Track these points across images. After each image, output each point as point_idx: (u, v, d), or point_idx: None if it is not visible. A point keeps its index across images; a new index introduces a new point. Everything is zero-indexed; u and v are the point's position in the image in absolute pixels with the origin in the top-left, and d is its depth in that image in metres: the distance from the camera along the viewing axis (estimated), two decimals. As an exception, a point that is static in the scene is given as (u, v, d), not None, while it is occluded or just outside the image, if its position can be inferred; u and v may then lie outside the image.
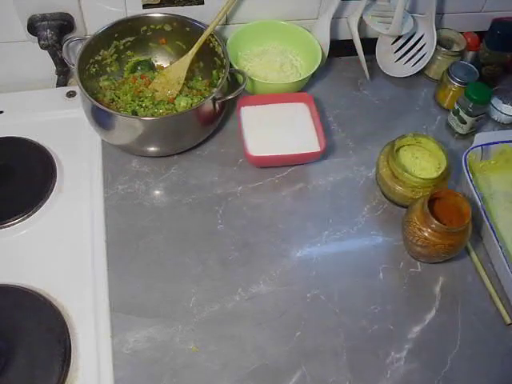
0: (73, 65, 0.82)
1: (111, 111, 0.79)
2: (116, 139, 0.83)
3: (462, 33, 1.01)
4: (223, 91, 0.84)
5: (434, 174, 0.79)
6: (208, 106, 0.81)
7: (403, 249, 0.78)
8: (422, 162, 0.83)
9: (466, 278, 0.77)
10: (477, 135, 0.88)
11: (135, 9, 0.90)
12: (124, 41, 0.91)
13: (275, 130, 0.86)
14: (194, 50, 0.87)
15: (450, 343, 0.71)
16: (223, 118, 0.89)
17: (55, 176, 0.81)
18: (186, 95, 0.88)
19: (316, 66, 0.92)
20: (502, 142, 0.86)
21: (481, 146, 0.86)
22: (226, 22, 0.98)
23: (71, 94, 0.92)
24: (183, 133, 0.82)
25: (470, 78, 0.92)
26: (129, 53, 0.93)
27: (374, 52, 1.01)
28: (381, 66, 1.01)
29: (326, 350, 0.69)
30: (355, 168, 0.88)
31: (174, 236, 0.78)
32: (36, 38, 0.87)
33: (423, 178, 0.78)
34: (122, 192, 0.81)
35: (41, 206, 0.78)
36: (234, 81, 0.91)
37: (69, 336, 0.66)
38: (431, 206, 0.73)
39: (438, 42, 0.98)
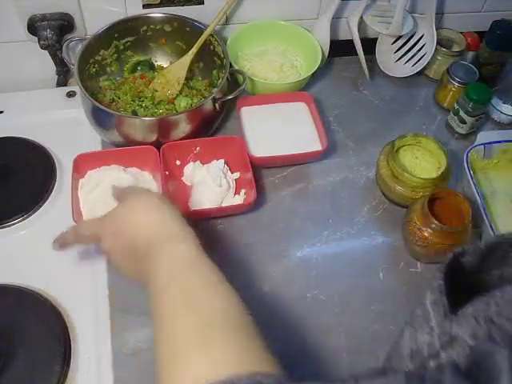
0: (73, 65, 0.82)
1: (111, 111, 0.79)
2: (116, 139, 0.83)
3: (462, 33, 1.01)
4: (223, 91, 0.84)
5: (434, 174, 0.79)
6: (208, 106, 0.81)
7: (403, 249, 0.78)
8: (422, 162, 0.83)
9: (466, 278, 0.77)
10: (480, 134, 0.87)
11: (135, 9, 0.90)
12: (124, 41, 0.91)
13: (275, 129, 0.86)
14: (194, 50, 0.87)
15: (450, 343, 0.71)
16: (223, 117, 0.89)
17: (55, 176, 0.81)
18: (186, 95, 0.88)
19: (316, 66, 0.92)
20: (506, 141, 0.86)
21: (483, 144, 0.85)
22: (226, 22, 0.98)
23: (71, 94, 0.92)
24: (183, 133, 0.81)
25: (469, 78, 0.92)
26: (129, 53, 0.93)
27: (374, 52, 1.01)
28: (381, 66, 1.01)
29: (326, 349, 0.69)
30: (355, 168, 0.88)
31: (174, 236, 0.77)
32: (36, 37, 0.87)
33: (423, 178, 0.77)
34: (122, 192, 0.81)
35: (41, 206, 0.78)
36: (234, 81, 0.91)
37: (69, 336, 0.66)
38: (431, 206, 0.73)
39: (438, 42, 0.98)
